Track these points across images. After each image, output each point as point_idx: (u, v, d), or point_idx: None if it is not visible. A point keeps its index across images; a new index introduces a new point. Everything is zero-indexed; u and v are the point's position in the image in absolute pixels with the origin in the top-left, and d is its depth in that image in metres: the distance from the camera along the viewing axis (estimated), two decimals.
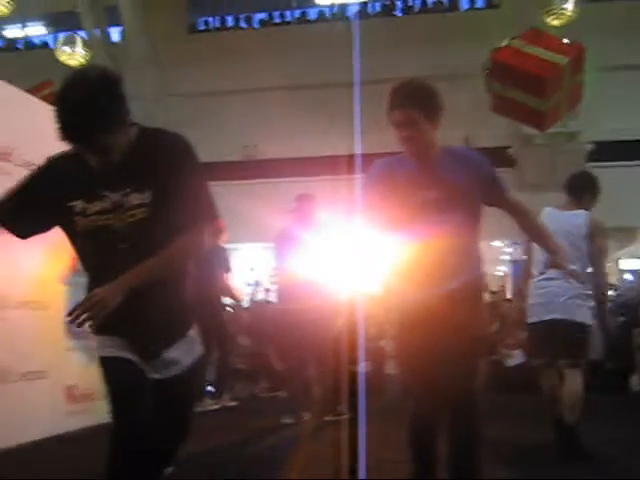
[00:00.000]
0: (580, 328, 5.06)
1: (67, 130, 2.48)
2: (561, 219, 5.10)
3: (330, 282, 6.48)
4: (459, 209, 3.45)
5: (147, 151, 2.65)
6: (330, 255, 6.50)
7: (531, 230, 3.85)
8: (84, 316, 2.49)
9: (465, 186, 3.46)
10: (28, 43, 18.46)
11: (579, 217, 5.18)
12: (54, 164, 2.79)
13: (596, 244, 5.13)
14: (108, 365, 2.71)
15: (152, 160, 2.63)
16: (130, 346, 2.70)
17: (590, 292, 5.11)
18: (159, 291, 2.67)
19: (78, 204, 2.66)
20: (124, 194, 2.62)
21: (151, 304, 2.67)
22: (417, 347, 3.48)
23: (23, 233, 2.82)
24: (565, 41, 5.91)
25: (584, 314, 5.08)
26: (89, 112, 2.44)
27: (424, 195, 3.46)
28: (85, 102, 2.44)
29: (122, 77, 2.60)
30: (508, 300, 12.64)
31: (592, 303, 5.15)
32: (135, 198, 2.62)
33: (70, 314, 2.51)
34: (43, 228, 2.81)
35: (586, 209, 5.26)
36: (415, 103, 3.41)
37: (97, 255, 2.73)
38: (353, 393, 4.62)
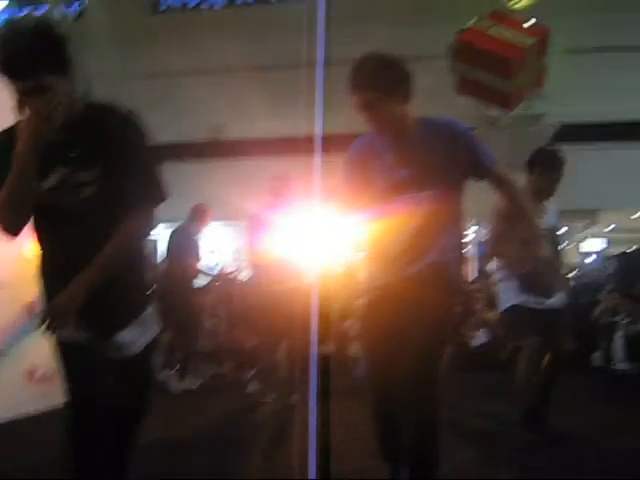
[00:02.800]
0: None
1: (6, 63, 2.45)
2: None
3: (301, 263, 6.49)
4: (435, 186, 3.29)
5: (95, 126, 2.59)
6: (302, 236, 6.52)
7: (514, 210, 3.67)
8: (50, 329, 2.53)
9: (442, 161, 3.30)
10: None
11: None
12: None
13: None
14: (62, 349, 2.68)
15: (101, 136, 2.58)
16: (85, 327, 2.65)
17: None
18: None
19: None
20: (72, 170, 2.57)
21: (105, 286, 2.61)
22: (380, 330, 3.40)
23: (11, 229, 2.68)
24: (530, 23, 5.89)
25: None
26: (28, 45, 2.43)
27: (396, 173, 3.34)
28: (24, 36, 2.45)
29: (65, 32, 2.55)
30: (472, 282, 12.75)
31: None
32: (83, 174, 2.56)
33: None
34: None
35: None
36: (371, 83, 3.28)
37: (48, 234, 2.68)
38: (318, 374, 4.62)
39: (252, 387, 7.21)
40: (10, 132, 2.58)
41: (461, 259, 3.52)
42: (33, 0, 14.82)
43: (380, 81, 3.28)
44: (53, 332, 2.55)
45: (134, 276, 2.77)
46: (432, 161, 3.31)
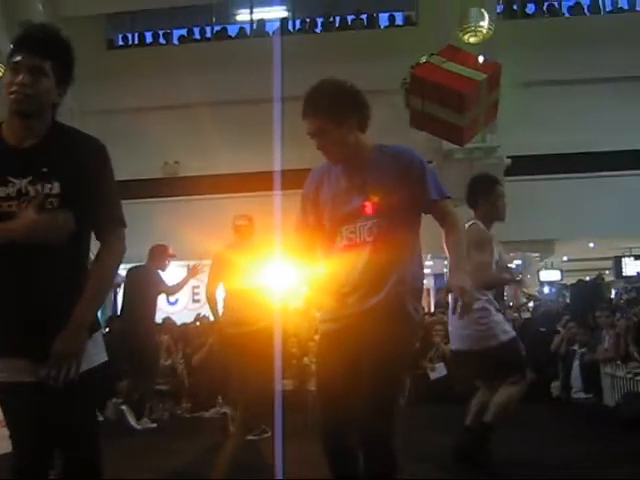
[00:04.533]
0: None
1: (25, 36, 2.62)
2: None
3: (266, 300, 6.47)
4: (387, 214, 3.25)
5: (61, 143, 2.58)
6: (264, 273, 6.59)
7: (448, 247, 3.40)
8: (63, 377, 2.49)
9: (394, 189, 3.25)
10: None
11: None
12: None
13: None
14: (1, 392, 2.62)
15: (65, 153, 2.56)
16: (23, 355, 2.57)
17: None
18: (50, 292, 2.56)
19: None
20: (30, 182, 2.51)
21: (42, 303, 2.55)
22: (335, 363, 3.30)
23: None
24: (482, 58, 5.99)
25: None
26: (46, 31, 2.63)
27: (350, 200, 3.31)
28: (44, 26, 2.66)
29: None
30: (431, 314, 12.81)
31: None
32: (42, 187, 2.51)
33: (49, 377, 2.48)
34: None
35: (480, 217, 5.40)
36: (320, 110, 3.27)
37: None
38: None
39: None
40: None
41: (418, 291, 3.42)
42: None
43: (329, 108, 3.27)
44: (65, 379, 2.50)
45: (73, 297, 2.58)
46: (385, 188, 3.28)
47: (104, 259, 2.61)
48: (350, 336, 3.25)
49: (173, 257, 8.63)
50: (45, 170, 2.52)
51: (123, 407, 8.37)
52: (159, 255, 8.47)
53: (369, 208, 3.28)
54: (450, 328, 5.41)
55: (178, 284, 8.51)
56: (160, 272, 8.43)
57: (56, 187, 2.52)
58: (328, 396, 3.37)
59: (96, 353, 2.70)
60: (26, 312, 2.56)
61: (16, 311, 2.57)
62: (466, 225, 4.78)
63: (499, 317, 5.20)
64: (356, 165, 3.36)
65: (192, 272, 8.29)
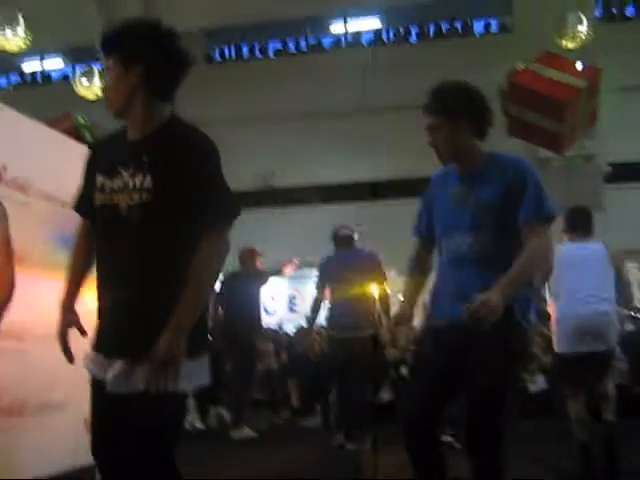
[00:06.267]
0: None
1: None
2: (583, 252, 5.22)
3: (370, 309, 6.66)
4: (489, 231, 3.19)
5: (167, 137, 2.58)
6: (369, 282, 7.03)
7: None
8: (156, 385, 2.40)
9: (498, 204, 3.19)
10: (46, 77, 18.66)
11: (600, 248, 5.30)
12: (105, 139, 2.81)
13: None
14: (90, 385, 2.64)
15: (163, 147, 2.55)
16: (98, 349, 2.58)
17: None
18: (139, 295, 2.50)
19: (100, 179, 2.61)
20: (131, 174, 2.53)
21: (126, 304, 2.51)
22: (435, 360, 3.37)
23: (84, 213, 2.75)
24: (581, 64, 5.89)
25: None
26: (121, 27, 2.63)
27: (456, 212, 3.27)
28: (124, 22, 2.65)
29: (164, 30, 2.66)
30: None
31: None
32: (139, 180, 2.52)
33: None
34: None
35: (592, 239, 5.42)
36: (435, 107, 3.29)
37: (102, 238, 2.63)
38: None
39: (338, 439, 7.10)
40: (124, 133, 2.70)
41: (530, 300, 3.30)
42: (87, 57, 15.23)
43: (445, 106, 3.27)
44: (167, 386, 2.40)
45: (158, 307, 2.47)
46: (489, 201, 3.21)
47: (201, 259, 2.48)
48: (454, 339, 3.19)
49: (260, 256, 8.85)
50: (142, 163, 2.53)
51: (224, 415, 8.48)
52: (249, 257, 8.69)
53: (471, 221, 3.22)
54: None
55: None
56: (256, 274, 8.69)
57: (148, 181, 2.50)
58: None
59: (195, 376, 2.57)
60: (112, 306, 2.57)
61: (104, 304, 2.60)
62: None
63: None
64: (466, 172, 3.32)
65: (288, 266, 8.61)
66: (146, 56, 2.58)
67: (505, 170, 3.24)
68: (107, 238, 2.59)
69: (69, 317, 2.73)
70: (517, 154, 3.48)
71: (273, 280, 9.53)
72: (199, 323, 2.52)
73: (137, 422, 2.42)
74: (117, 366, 2.47)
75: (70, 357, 2.71)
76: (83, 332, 2.69)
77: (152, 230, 2.50)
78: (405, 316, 3.62)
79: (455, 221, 3.29)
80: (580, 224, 5.44)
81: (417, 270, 3.60)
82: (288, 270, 8.75)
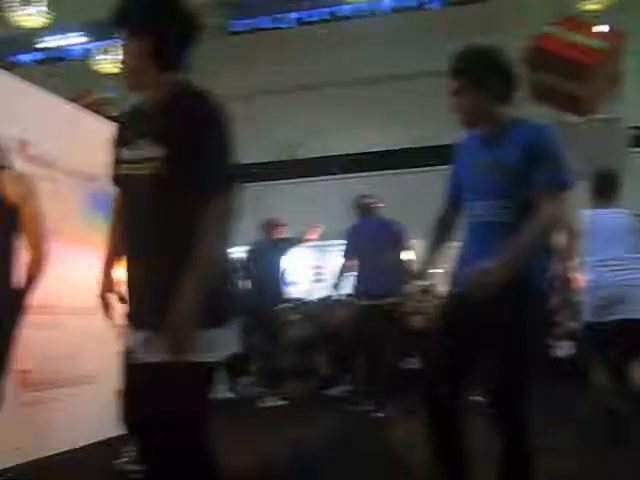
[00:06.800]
0: None
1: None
2: (608, 219, 5.23)
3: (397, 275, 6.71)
4: (510, 198, 3.17)
5: (177, 106, 2.59)
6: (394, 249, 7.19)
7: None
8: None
9: (518, 170, 3.15)
10: (68, 53, 18.67)
11: (624, 214, 5.38)
12: (129, 111, 2.84)
13: None
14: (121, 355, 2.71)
15: (177, 116, 2.56)
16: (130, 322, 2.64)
17: None
18: (158, 263, 2.53)
19: (122, 150, 2.68)
20: (146, 144, 2.56)
21: (148, 271, 2.57)
22: (457, 327, 3.39)
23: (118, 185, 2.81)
24: (604, 27, 5.83)
25: None
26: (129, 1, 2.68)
27: (479, 177, 3.29)
28: None
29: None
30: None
31: None
32: (149, 150, 2.55)
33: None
34: None
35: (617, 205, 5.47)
36: (460, 69, 3.28)
37: (126, 209, 2.70)
38: None
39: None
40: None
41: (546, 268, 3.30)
42: (108, 33, 15.30)
43: (469, 69, 3.26)
44: (184, 356, 2.41)
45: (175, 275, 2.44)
46: (511, 167, 3.18)
47: (201, 228, 2.46)
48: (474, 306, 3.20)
49: (285, 225, 8.96)
50: (154, 133, 2.56)
51: (253, 384, 8.57)
52: (273, 227, 8.83)
53: (495, 186, 3.21)
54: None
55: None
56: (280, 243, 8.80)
57: (159, 150, 2.52)
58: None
59: (219, 345, 2.56)
60: (132, 277, 2.64)
61: (129, 274, 2.66)
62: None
63: None
64: (490, 137, 3.29)
65: (312, 231, 8.79)
66: (154, 25, 2.62)
67: (527, 136, 3.20)
68: (128, 208, 2.67)
69: (109, 282, 2.86)
70: (540, 118, 3.45)
71: (298, 250, 9.57)
72: (218, 292, 2.52)
73: (160, 390, 2.44)
74: (140, 335, 2.54)
75: (111, 317, 2.85)
76: (122, 299, 2.75)
77: (163, 199, 2.52)
78: (424, 276, 3.67)
79: (479, 186, 3.29)
80: (605, 189, 5.43)
81: (440, 230, 3.61)
82: (312, 235, 8.80)
